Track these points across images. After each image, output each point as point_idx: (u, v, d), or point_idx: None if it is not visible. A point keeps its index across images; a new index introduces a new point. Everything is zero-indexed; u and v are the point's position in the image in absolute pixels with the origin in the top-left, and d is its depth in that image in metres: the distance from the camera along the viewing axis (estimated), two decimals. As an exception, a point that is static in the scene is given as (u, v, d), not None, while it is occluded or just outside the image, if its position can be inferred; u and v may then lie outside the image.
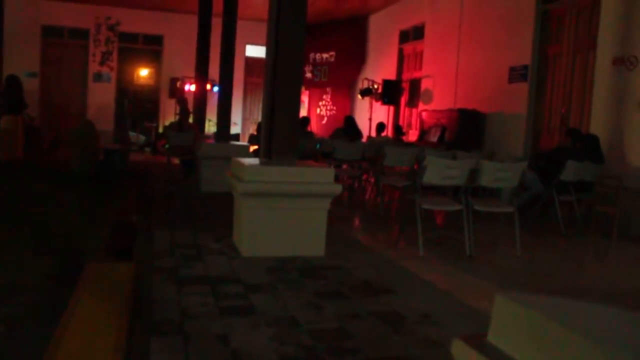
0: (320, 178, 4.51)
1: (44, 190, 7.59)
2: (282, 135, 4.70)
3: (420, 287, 3.95)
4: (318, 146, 9.37)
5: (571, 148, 6.65)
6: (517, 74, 8.91)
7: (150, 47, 16.50)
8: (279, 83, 4.60)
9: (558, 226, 6.38)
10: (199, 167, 8.37)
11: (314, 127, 16.19)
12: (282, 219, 4.50)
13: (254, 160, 4.71)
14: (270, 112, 4.67)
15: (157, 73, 16.64)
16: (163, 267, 4.11)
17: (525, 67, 8.71)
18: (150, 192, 8.14)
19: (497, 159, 8.50)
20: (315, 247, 4.59)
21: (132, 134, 15.93)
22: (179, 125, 10.14)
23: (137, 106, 16.37)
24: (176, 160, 10.22)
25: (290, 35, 4.66)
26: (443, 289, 3.91)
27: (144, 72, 16.63)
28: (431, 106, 11.40)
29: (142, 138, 16.06)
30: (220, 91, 8.58)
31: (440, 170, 4.80)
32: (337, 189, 4.51)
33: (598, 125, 7.24)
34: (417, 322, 3.20)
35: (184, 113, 10.52)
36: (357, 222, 6.91)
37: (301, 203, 4.51)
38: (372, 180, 9.02)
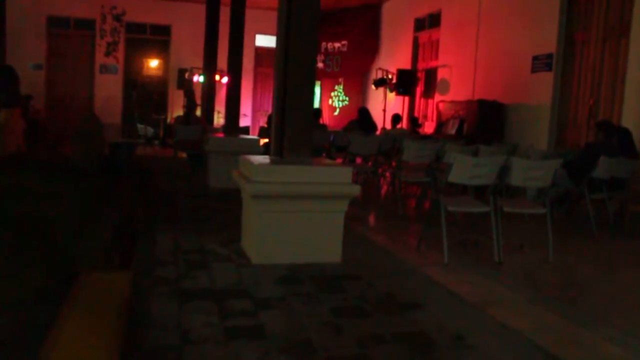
0: (337, 178, 4.12)
1: (40, 187, 7.24)
2: (294, 130, 4.31)
3: (449, 301, 3.55)
4: (332, 139, 8.97)
5: (604, 142, 6.19)
6: (540, 63, 8.44)
7: (157, 38, 16.11)
8: (290, 72, 4.20)
9: (588, 226, 5.94)
10: (207, 162, 8.00)
11: (325, 119, 15.77)
12: (295, 222, 4.11)
13: (264, 159, 4.31)
14: (281, 105, 4.27)
15: (165, 64, 16.27)
16: (164, 277, 3.74)
17: (550, 55, 8.24)
18: (156, 189, 7.77)
19: (520, 152, 8.06)
20: (332, 253, 4.21)
21: (140, 126, 15.59)
22: (186, 118, 9.77)
23: (145, 98, 16.01)
24: (184, 155, 9.86)
25: (303, 18, 4.25)
26: (474, 303, 3.51)
27: (152, 63, 16.27)
28: (448, 97, 10.95)
29: (150, 131, 15.70)
30: (228, 82, 8.18)
31: (467, 169, 4.39)
32: (355, 190, 4.11)
33: (630, 117, 6.78)
34: (449, 347, 2.81)
35: (191, 105, 10.14)
36: (373, 222, 6.51)
37: (316, 205, 4.12)
38: (388, 175, 8.61)
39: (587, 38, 7.73)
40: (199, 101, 11.55)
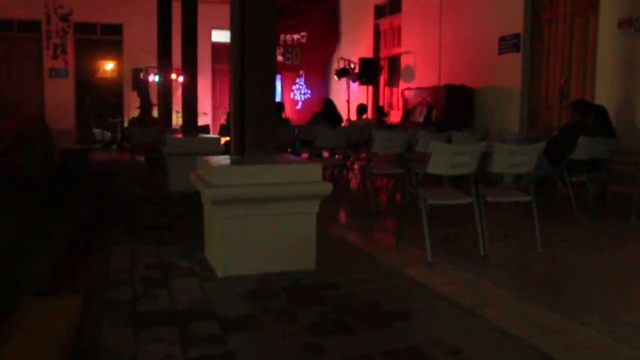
0: (306, 176, 3.73)
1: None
2: (256, 125, 3.90)
3: (438, 306, 3.20)
4: (296, 133, 8.57)
5: (581, 122, 5.94)
6: (508, 44, 8.19)
7: (109, 37, 15.44)
8: (249, 62, 3.79)
9: (570, 210, 5.70)
10: (166, 165, 7.53)
11: (288, 113, 15.35)
12: (263, 228, 3.71)
13: (224, 159, 3.90)
14: (239, 99, 3.86)
15: (119, 64, 15.59)
16: (118, 299, 3.30)
17: (517, 35, 7.99)
18: (112, 197, 7.26)
19: (492, 137, 7.81)
20: (305, 259, 3.82)
21: (96, 131, 14.94)
22: (140, 120, 9.25)
23: (99, 101, 15.34)
24: (142, 158, 9.34)
25: (259, 6, 3.84)
26: (465, 307, 3.16)
27: (105, 65, 15.58)
28: (413, 84, 10.65)
29: (107, 135, 15.06)
30: (184, 80, 7.71)
31: (447, 158, 4.05)
32: (327, 188, 3.73)
33: (604, 96, 6.56)
34: (448, 365, 2.46)
35: (145, 106, 9.60)
36: (346, 219, 6.14)
37: (284, 208, 3.72)
38: (356, 168, 8.27)
39: (555, 15, 7.49)
40: (155, 101, 11.00)
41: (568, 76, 7.31)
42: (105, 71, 15.60)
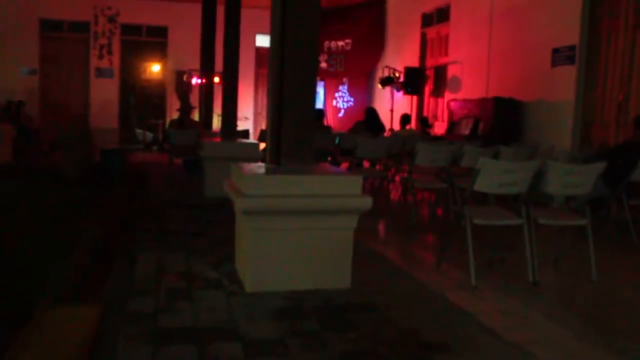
0: (345, 189, 3.49)
1: (17, 199, 6.63)
2: (293, 133, 3.68)
3: (484, 340, 2.91)
4: (337, 141, 8.34)
5: (642, 141, 5.54)
6: (562, 56, 7.79)
7: (154, 39, 15.53)
8: (288, 63, 3.58)
9: (626, 236, 5.30)
10: (203, 169, 7.39)
11: (330, 120, 15.15)
12: (296, 242, 3.49)
13: (258, 167, 3.69)
14: (277, 103, 3.65)
15: (163, 66, 15.67)
16: (139, 311, 3.12)
17: (572, 47, 7.58)
18: (147, 199, 7.16)
19: (542, 153, 7.42)
20: (339, 277, 3.58)
21: (138, 131, 15.02)
22: (180, 123, 9.16)
23: (142, 102, 15.44)
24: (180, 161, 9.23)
25: (301, 8, 3.63)
26: (514, 343, 2.86)
27: (149, 66, 15.68)
28: (459, 95, 10.30)
29: (149, 136, 15.12)
30: (224, 83, 7.58)
31: (497, 175, 3.75)
32: (367, 203, 3.48)
33: (667, 113, 6.12)
34: (495, 411, 2.17)
35: (185, 109, 9.52)
36: (385, 234, 5.85)
37: (320, 222, 3.49)
38: (398, 179, 7.98)
39: (615, 27, 7.07)
40: (195, 104, 10.95)
41: (627, 92, 6.89)
42: (151, 72, 15.71)
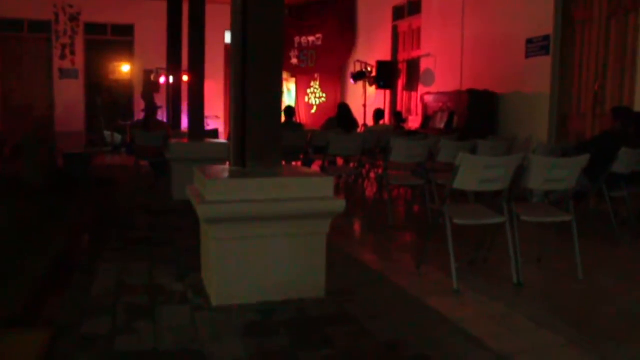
0: (316, 191, 3.24)
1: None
2: (259, 132, 3.43)
3: (470, 351, 2.69)
4: (309, 139, 8.09)
5: (622, 132, 5.40)
6: (536, 47, 7.65)
7: (120, 38, 15.07)
8: (251, 56, 3.32)
9: (607, 229, 5.16)
10: (170, 172, 7.08)
11: (302, 117, 14.90)
12: (265, 251, 3.23)
13: (222, 171, 3.42)
14: (240, 100, 3.39)
15: (131, 66, 15.23)
16: (93, 334, 2.83)
17: (546, 37, 7.44)
18: (110, 205, 6.83)
19: (519, 146, 7.27)
20: (313, 286, 3.34)
21: (106, 133, 14.57)
22: (145, 124, 8.81)
23: (110, 103, 14.98)
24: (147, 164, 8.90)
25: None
26: (502, 354, 2.65)
27: (116, 66, 15.23)
28: (433, 88, 10.12)
29: (118, 138, 14.67)
30: (189, 82, 7.28)
31: (478, 172, 3.54)
32: (339, 205, 3.24)
33: (643, 102, 6.01)
34: None
35: (150, 109, 9.17)
36: (360, 235, 5.62)
37: (290, 228, 3.24)
38: (372, 176, 7.77)
39: (589, 16, 6.94)
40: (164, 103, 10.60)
41: (603, 81, 6.76)
42: (118, 72, 15.27)
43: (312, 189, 3.24)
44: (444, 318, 3.09)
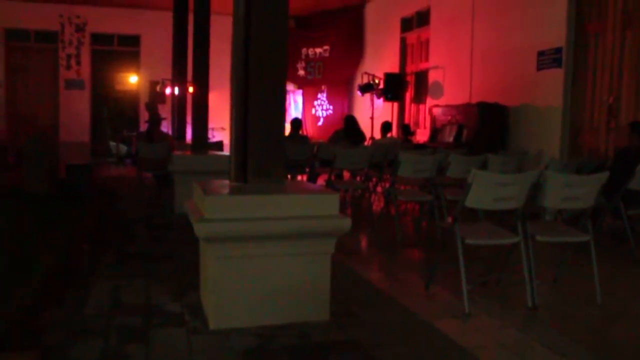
0: (320, 209, 3.07)
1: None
2: (261, 145, 3.27)
3: (484, 383, 2.51)
4: (315, 152, 7.94)
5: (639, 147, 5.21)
6: (547, 59, 7.48)
7: (126, 49, 15.02)
8: (254, 68, 3.17)
9: (623, 247, 4.97)
10: (173, 185, 6.94)
11: (309, 129, 14.76)
12: (266, 271, 3.06)
13: (222, 186, 3.26)
14: (241, 112, 3.23)
15: (137, 76, 15.16)
16: (81, 358, 2.66)
17: (559, 50, 7.27)
18: (110, 218, 6.68)
19: (529, 161, 7.10)
20: (317, 309, 3.16)
21: (112, 144, 14.47)
22: (148, 135, 8.69)
23: (116, 114, 14.91)
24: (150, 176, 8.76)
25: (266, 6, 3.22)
26: (519, 384, 2.46)
27: (122, 77, 15.17)
28: (442, 101, 9.96)
29: (123, 149, 14.57)
30: (194, 93, 7.16)
31: (491, 189, 3.36)
32: (345, 224, 3.07)
33: (660, 116, 5.82)
34: None
35: (153, 120, 9.05)
36: (367, 252, 5.43)
37: (293, 247, 3.07)
38: (379, 190, 7.60)
39: (603, 28, 6.77)
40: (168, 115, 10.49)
41: (617, 95, 6.58)
42: (124, 83, 15.21)
43: (316, 206, 3.07)
44: (454, 345, 2.90)
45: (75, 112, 14.66)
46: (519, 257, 3.57)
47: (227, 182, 3.38)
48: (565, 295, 3.92)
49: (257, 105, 3.21)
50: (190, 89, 9.96)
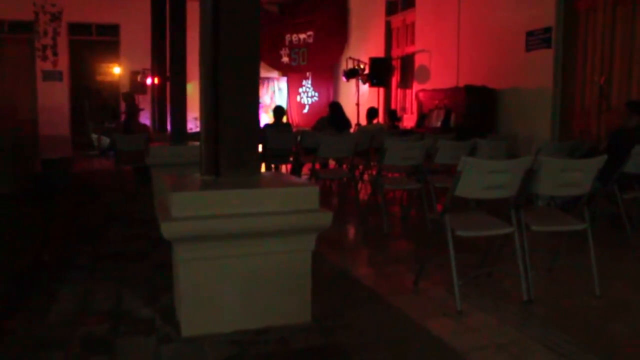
0: (299, 203, 2.83)
1: None
2: (234, 138, 3.01)
3: (480, 392, 2.29)
4: (299, 140, 7.69)
5: (636, 128, 5.01)
6: (536, 40, 7.25)
7: (105, 38, 14.61)
8: (224, 52, 2.91)
9: (618, 233, 4.78)
10: (152, 178, 6.66)
11: (294, 117, 14.50)
12: (241, 272, 2.82)
13: (192, 181, 3.01)
14: (211, 99, 2.98)
15: (117, 66, 14.78)
16: (38, 376, 2.42)
17: (548, 29, 7.05)
18: (89, 215, 6.41)
19: (519, 145, 6.90)
20: (297, 310, 2.93)
21: (94, 136, 14.13)
22: (125, 127, 8.39)
23: (97, 105, 14.53)
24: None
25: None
26: (518, 391, 2.25)
27: (101, 67, 14.78)
28: (429, 85, 9.73)
29: (106, 141, 14.21)
30: (170, 83, 6.87)
31: (482, 177, 3.14)
32: (325, 219, 2.83)
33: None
34: None
35: (131, 111, 8.74)
36: (352, 245, 5.19)
37: (270, 245, 2.83)
38: (366, 177, 7.36)
39: (593, 5, 6.54)
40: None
41: (609, 74, 6.37)
42: (104, 73, 14.84)
43: (294, 200, 2.83)
44: (447, 348, 2.69)
45: (55, 104, 14.25)
46: (513, 247, 3.36)
47: (198, 176, 3.13)
48: (562, 286, 3.72)
49: (229, 91, 2.95)
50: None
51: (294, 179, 3.89)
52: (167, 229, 2.64)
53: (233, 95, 2.98)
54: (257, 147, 3.07)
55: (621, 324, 3.08)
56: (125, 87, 14.53)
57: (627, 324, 3.08)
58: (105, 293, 3.53)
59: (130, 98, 10.20)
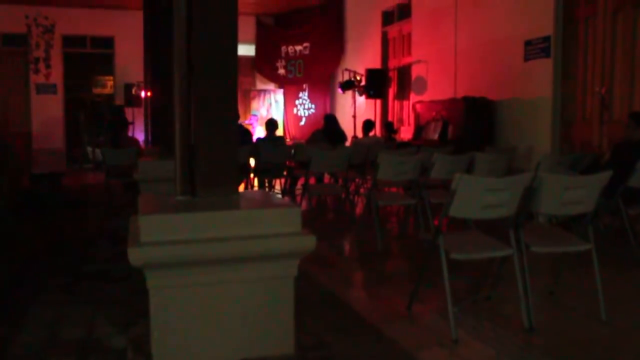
0: (280, 226, 2.61)
1: None
2: (211, 155, 2.80)
3: None
4: (292, 154, 7.50)
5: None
6: (535, 49, 7.06)
7: (100, 51, 14.47)
8: (197, 54, 2.72)
9: (627, 251, 4.56)
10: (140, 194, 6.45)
11: (290, 130, 14.33)
12: (218, 301, 2.60)
13: (164, 202, 2.80)
14: (185, 113, 2.78)
15: (111, 79, 14.63)
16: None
17: (547, 38, 6.85)
18: (72, 231, 6.20)
19: (519, 158, 6.70)
20: (279, 341, 2.69)
21: (89, 149, 13.95)
22: (113, 140, 8.20)
23: (91, 118, 14.35)
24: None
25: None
26: None
27: (96, 80, 14.63)
28: (426, 97, 9.53)
29: (99, 154, 14.03)
30: (152, 95, 6.69)
31: (479, 195, 2.92)
32: (309, 243, 2.60)
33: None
34: None
35: (120, 125, 8.55)
36: (343, 264, 4.93)
37: (249, 272, 2.61)
38: (363, 191, 7.17)
39: (593, 12, 6.35)
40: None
41: (610, 84, 6.17)
42: (100, 87, 14.69)
43: (275, 223, 2.61)
44: (441, 384, 2.46)
45: (49, 117, 14.12)
46: (512, 269, 3.14)
47: (172, 196, 2.92)
48: (565, 310, 3.49)
49: (203, 104, 2.75)
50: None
51: (275, 198, 3.68)
52: (134, 255, 2.42)
53: (208, 108, 2.78)
54: (235, 165, 2.86)
55: (629, 355, 2.85)
56: (120, 100, 14.36)
57: (636, 354, 2.85)
58: (78, 318, 3.33)
59: (119, 111, 10.00)
